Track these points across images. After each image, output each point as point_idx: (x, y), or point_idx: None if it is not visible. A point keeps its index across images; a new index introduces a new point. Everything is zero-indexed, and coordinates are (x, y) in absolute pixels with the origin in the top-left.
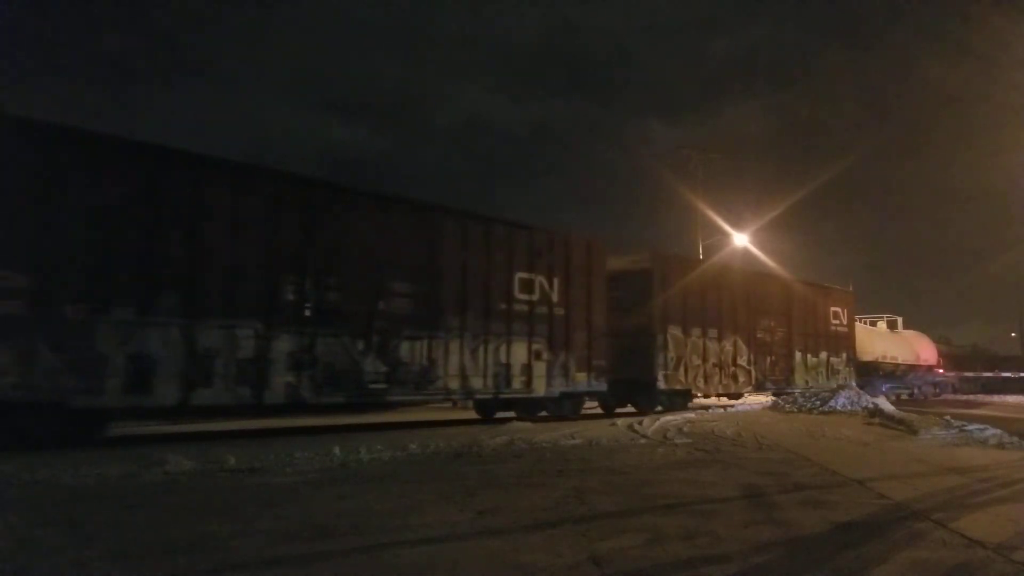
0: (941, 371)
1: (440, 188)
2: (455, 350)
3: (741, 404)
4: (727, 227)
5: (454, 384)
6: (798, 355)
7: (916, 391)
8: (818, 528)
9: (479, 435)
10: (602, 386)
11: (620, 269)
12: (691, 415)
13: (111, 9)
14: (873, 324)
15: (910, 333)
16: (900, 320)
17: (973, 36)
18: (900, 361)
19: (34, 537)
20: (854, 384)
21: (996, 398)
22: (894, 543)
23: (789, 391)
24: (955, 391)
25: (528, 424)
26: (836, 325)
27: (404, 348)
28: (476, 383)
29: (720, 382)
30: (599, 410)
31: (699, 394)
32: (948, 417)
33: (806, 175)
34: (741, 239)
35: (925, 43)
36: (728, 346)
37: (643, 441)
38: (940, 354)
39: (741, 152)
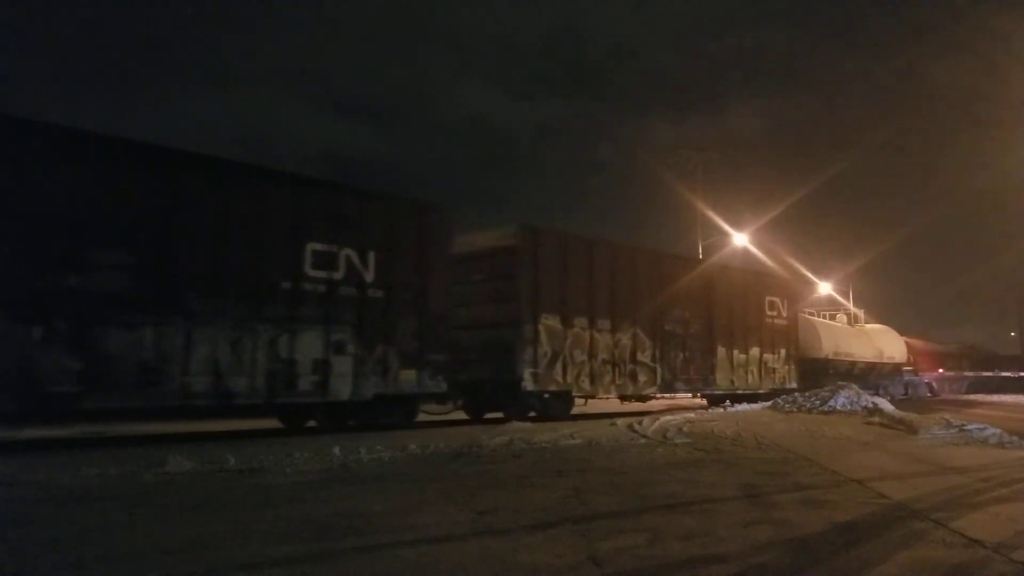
0: (913, 370)
1: (442, 187)
2: (203, 341)
3: (741, 405)
4: (727, 227)
5: (200, 386)
6: (721, 351)
7: (880, 392)
8: (818, 528)
9: (479, 435)
10: (439, 386)
11: (484, 247)
12: (691, 415)
13: (112, 9)
14: (832, 318)
15: (874, 327)
16: (862, 313)
17: (974, 35)
18: (858, 359)
19: (34, 538)
20: (795, 384)
21: (995, 398)
22: (894, 543)
23: (708, 392)
24: (932, 393)
25: (528, 424)
26: (773, 317)
27: (113, 338)
28: (237, 384)
29: (613, 382)
30: (449, 417)
31: (583, 397)
32: (948, 417)
33: (809, 175)
34: (741, 239)
35: (928, 42)
36: (625, 340)
37: (643, 441)
38: (918, 351)
39: (744, 151)
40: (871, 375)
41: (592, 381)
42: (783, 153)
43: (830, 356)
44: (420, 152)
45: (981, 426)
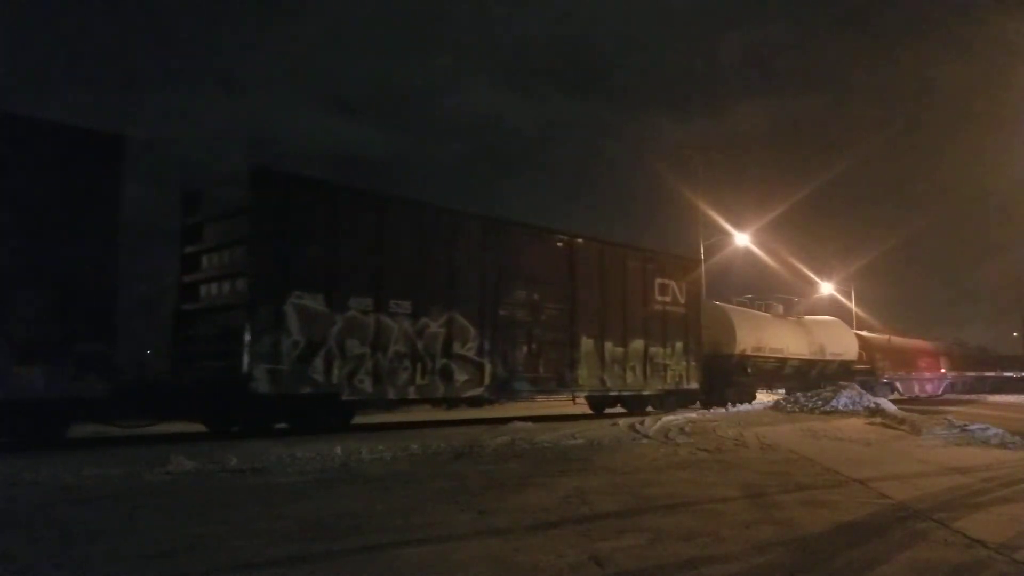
0: (870, 368)
1: (446, 186)
2: None
3: (743, 405)
4: (729, 227)
5: None
6: (587, 343)
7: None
8: (820, 528)
9: (480, 435)
10: (91, 390)
11: (214, 202)
12: (692, 415)
13: (116, 9)
14: (765, 308)
15: (817, 319)
16: (799, 302)
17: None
18: (790, 355)
19: (35, 537)
20: (696, 385)
21: (998, 398)
22: (896, 543)
23: (567, 392)
24: (896, 393)
25: (530, 424)
26: (666, 304)
27: None
28: None
29: (413, 382)
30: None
31: (363, 401)
32: (950, 417)
33: (811, 174)
34: (743, 239)
35: (931, 42)
36: (435, 327)
37: (645, 441)
38: (874, 347)
39: (747, 151)
40: (809, 374)
41: (377, 380)
42: (785, 153)
43: (749, 352)
44: (424, 151)
45: (983, 426)
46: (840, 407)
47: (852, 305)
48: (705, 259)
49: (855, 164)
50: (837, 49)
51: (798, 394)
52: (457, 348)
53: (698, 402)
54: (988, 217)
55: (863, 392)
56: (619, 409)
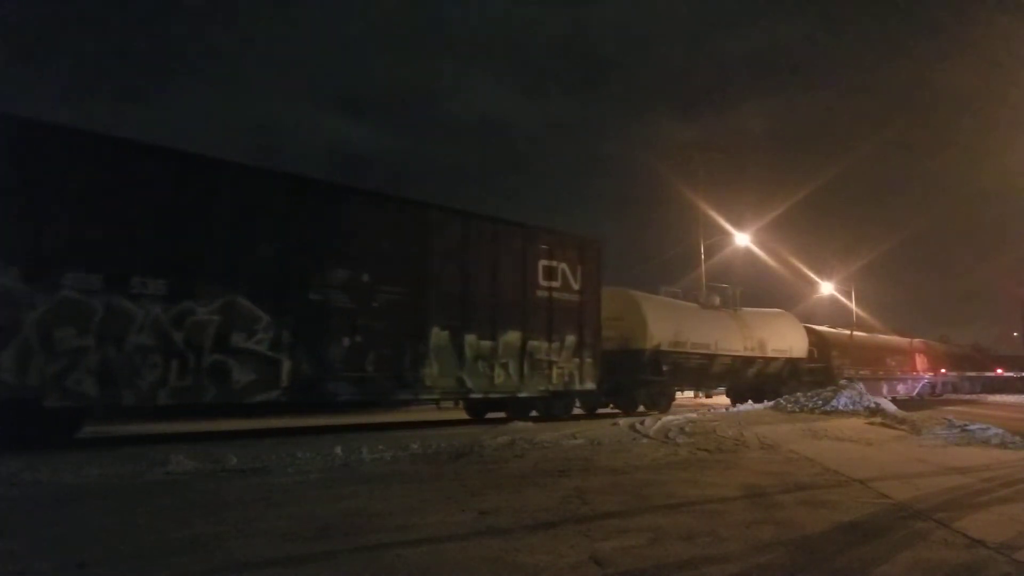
0: (826, 367)
1: (449, 186)
2: None
3: (744, 405)
4: (730, 227)
5: None
6: (439, 336)
7: (768, 396)
8: (820, 528)
9: (481, 435)
10: None
11: None
12: (693, 415)
13: (119, 8)
14: (697, 299)
15: (760, 312)
16: (738, 292)
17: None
18: (720, 351)
19: (36, 537)
20: (593, 385)
21: (999, 398)
22: (896, 543)
23: (409, 394)
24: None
25: (530, 424)
26: (554, 290)
27: None
28: None
29: (167, 382)
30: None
31: (82, 408)
32: (950, 417)
33: (812, 174)
34: (743, 239)
35: (934, 42)
36: (203, 313)
37: (645, 441)
38: (830, 343)
39: (749, 151)
40: (745, 374)
41: (107, 381)
42: (787, 153)
43: (665, 347)
44: (428, 151)
45: (983, 426)
46: (840, 407)
47: (852, 305)
48: (705, 259)
49: (856, 164)
50: (840, 49)
51: (798, 394)
52: (239, 340)
53: (611, 405)
54: (988, 217)
55: (863, 392)
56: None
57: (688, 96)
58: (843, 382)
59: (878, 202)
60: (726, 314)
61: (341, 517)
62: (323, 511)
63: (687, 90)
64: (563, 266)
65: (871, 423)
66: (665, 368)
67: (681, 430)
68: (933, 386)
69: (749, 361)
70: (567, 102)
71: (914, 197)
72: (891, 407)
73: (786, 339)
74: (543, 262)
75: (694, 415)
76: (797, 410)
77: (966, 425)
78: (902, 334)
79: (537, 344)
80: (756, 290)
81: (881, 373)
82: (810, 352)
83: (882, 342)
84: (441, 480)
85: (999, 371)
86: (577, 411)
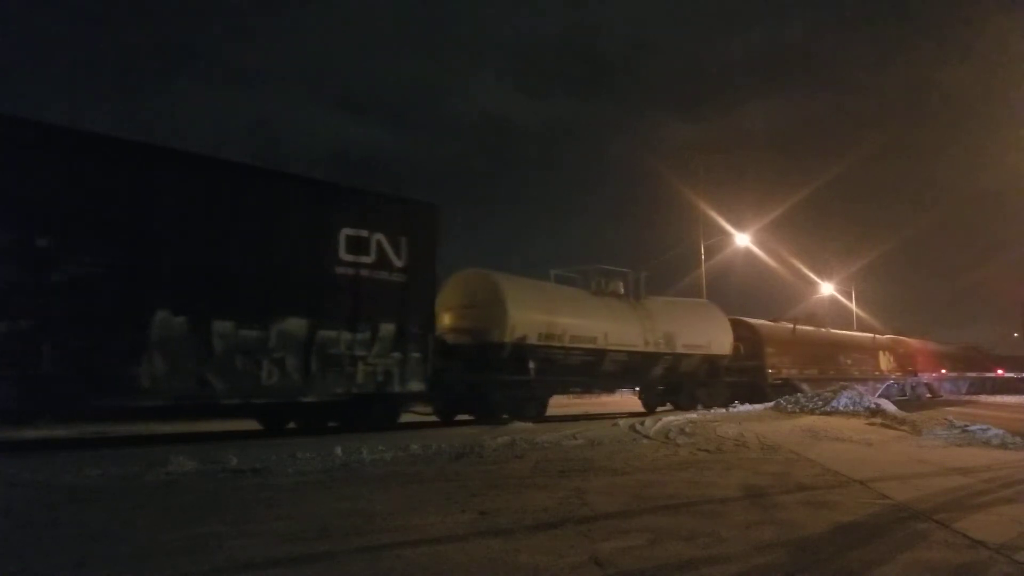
0: (758, 366)
1: (454, 185)
2: None
3: (744, 406)
4: (730, 228)
5: None
6: (168, 321)
7: (682, 398)
8: (820, 528)
9: (481, 436)
10: None
11: None
12: (693, 415)
13: (123, 7)
14: (598, 286)
15: (671, 302)
16: (642, 278)
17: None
18: (613, 346)
19: (36, 538)
20: (422, 386)
21: (998, 399)
22: (896, 543)
23: (114, 401)
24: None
25: (530, 424)
26: (363, 266)
27: None
28: None
29: None
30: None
31: None
32: (951, 418)
33: (813, 175)
34: (744, 239)
35: (935, 44)
36: None
37: (645, 441)
38: (764, 339)
39: (750, 151)
40: (649, 372)
41: None
42: (789, 153)
43: (532, 340)
44: (431, 150)
45: (984, 427)
46: (841, 407)
47: (852, 305)
48: (706, 259)
49: (856, 164)
50: (844, 50)
51: (799, 394)
52: None
53: (475, 412)
54: (989, 217)
55: (863, 393)
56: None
57: (691, 96)
58: (778, 382)
59: (879, 202)
60: (625, 303)
61: (341, 517)
62: (323, 511)
63: (690, 90)
64: (379, 237)
65: (871, 424)
66: (532, 365)
67: (681, 430)
68: (902, 389)
69: (653, 358)
70: (570, 102)
71: (915, 197)
72: (892, 408)
73: (703, 333)
74: (348, 231)
75: (694, 415)
76: (797, 410)
77: (967, 426)
78: (903, 333)
79: (333, 335)
80: (756, 290)
81: (832, 373)
82: (736, 348)
83: (836, 338)
84: (441, 481)
85: (999, 372)
86: (422, 419)
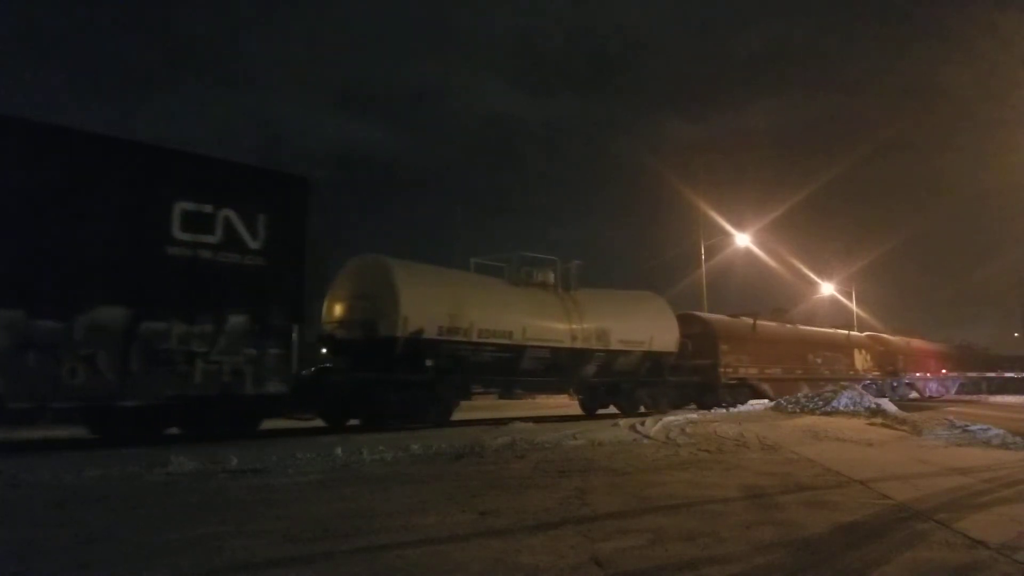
0: (713, 363)
1: (457, 185)
2: None
3: (743, 406)
4: (731, 228)
5: None
6: None
7: (621, 397)
8: (821, 529)
9: (481, 436)
10: None
11: None
12: (693, 415)
13: (123, 7)
14: (528, 275)
15: (608, 294)
16: (572, 266)
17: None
18: (533, 341)
19: (37, 538)
20: (284, 387)
21: (998, 398)
22: (897, 544)
23: None
24: (762, 395)
25: (530, 424)
26: (206, 247)
27: None
28: None
29: None
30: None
31: None
32: (952, 418)
33: (813, 175)
34: (744, 239)
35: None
36: None
37: (646, 442)
38: (719, 335)
39: (750, 151)
40: (579, 371)
41: None
42: (792, 153)
43: (432, 333)
44: (432, 150)
45: (984, 427)
46: (841, 407)
47: (853, 305)
48: (707, 259)
49: (857, 164)
50: (845, 50)
51: (799, 395)
52: None
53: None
54: (990, 217)
55: (864, 393)
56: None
57: (695, 95)
58: (733, 382)
59: (879, 202)
60: (551, 295)
61: (342, 518)
62: (324, 512)
63: (694, 89)
64: (228, 214)
65: (872, 424)
66: (429, 363)
67: (682, 431)
68: (880, 390)
69: (582, 355)
70: (573, 101)
71: (916, 197)
72: (892, 408)
73: (643, 328)
74: (185, 205)
75: (695, 416)
76: (798, 411)
77: (967, 426)
78: (903, 333)
79: (162, 327)
80: (756, 290)
81: (799, 373)
82: (683, 345)
83: (804, 335)
84: (441, 481)
85: (988, 373)
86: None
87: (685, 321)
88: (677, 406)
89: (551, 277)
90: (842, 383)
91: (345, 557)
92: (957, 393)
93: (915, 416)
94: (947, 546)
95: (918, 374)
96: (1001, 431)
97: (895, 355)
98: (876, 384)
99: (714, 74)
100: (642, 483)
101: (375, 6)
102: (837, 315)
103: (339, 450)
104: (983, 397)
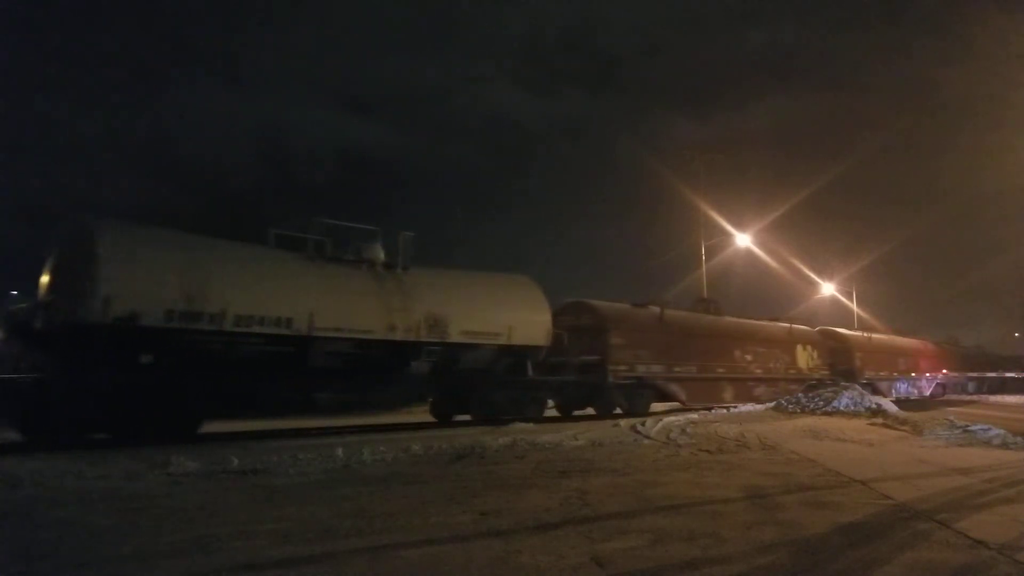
0: (601, 359)
1: (459, 185)
2: None
3: (744, 405)
4: (731, 228)
5: None
6: None
7: (477, 401)
8: (821, 529)
9: (482, 436)
10: None
11: None
12: (694, 416)
13: (129, 7)
14: (357, 256)
15: (453, 275)
16: (404, 239)
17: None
18: (324, 331)
19: (38, 539)
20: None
21: (997, 398)
22: (898, 544)
23: None
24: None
25: (531, 425)
26: None
27: None
28: None
29: None
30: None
31: None
32: (952, 418)
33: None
34: (744, 239)
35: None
36: None
37: (646, 442)
38: (610, 324)
39: (752, 150)
40: (402, 370)
41: None
42: (793, 153)
43: (154, 319)
44: (436, 150)
45: (985, 427)
46: (842, 408)
47: (853, 305)
48: (707, 259)
49: (858, 164)
50: (843, 50)
51: (799, 395)
52: None
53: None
54: (991, 217)
55: (864, 393)
56: None
57: (699, 94)
58: (627, 382)
59: (880, 203)
60: (364, 273)
61: (342, 518)
62: (324, 512)
63: (698, 89)
64: None
65: (873, 424)
66: (145, 360)
67: (683, 431)
68: (819, 392)
69: (406, 349)
70: (576, 100)
71: (916, 197)
72: (893, 408)
73: (499, 317)
74: None
75: (695, 415)
76: (798, 411)
77: (968, 426)
78: (905, 333)
79: None
80: (756, 290)
81: (722, 372)
82: (558, 338)
83: (730, 327)
84: (442, 481)
85: (985, 371)
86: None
87: (572, 310)
88: (567, 411)
89: (379, 253)
90: (782, 383)
91: (346, 557)
92: (932, 394)
93: (916, 416)
94: (948, 546)
95: (882, 373)
96: (1001, 431)
97: (850, 352)
98: (819, 384)
99: (719, 73)
100: (642, 483)
101: (379, 6)
102: (837, 315)
103: (340, 451)
104: (983, 397)
